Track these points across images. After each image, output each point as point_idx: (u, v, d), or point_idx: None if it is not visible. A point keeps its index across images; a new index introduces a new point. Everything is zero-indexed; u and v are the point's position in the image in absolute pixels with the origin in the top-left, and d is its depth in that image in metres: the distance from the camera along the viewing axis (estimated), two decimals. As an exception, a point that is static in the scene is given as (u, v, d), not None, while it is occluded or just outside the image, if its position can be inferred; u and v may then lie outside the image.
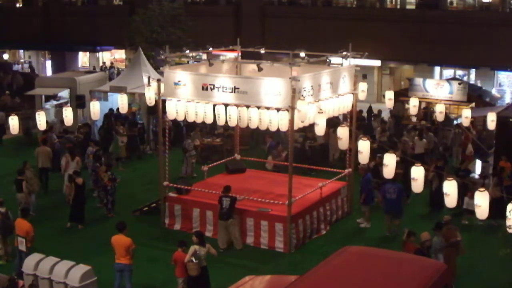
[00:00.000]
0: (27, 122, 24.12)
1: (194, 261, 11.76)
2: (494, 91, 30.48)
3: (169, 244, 14.12)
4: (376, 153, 17.60)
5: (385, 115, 25.71)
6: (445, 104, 21.32)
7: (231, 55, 26.95)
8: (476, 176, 18.86)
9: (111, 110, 24.68)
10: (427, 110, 26.39)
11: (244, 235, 15.31)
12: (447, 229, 13.05)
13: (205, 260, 12.02)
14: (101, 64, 42.66)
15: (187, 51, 22.96)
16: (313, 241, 15.58)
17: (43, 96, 27.00)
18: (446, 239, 12.77)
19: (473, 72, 32.05)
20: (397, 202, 15.57)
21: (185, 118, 15.52)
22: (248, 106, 14.41)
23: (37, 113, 17.01)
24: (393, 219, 15.80)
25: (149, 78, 18.29)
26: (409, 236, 12.66)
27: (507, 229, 11.58)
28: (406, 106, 25.47)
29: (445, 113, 20.35)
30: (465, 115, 18.01)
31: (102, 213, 17.36)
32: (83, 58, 43.50)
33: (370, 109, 27.51)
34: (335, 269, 9.47)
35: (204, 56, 26.61)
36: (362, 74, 27.19)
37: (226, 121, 14.90)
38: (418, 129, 22.53)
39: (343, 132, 14.70)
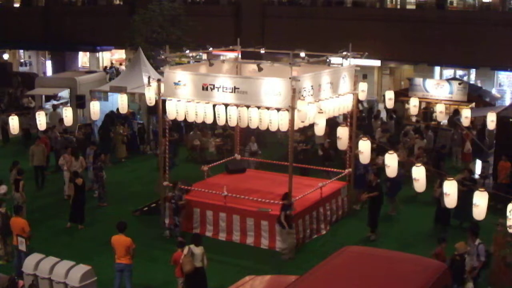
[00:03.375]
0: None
1: (186, 254, 11.77)
2: (494, 91, 30.44)
3: (169, 244, 14.12)
4: (377, 154, 17.61)
5: (385, 115, 25.69)
6: (445, 104, 21.31)
7: (231, 55, 26.93)
8: (476, 176, 18.86)
9: (111, 111, 24.61)
10: (427, 110, 26.41)
11: (244, 235, 15.31)
12: (501, 234, 12.55)
13: (201, 262, 11.98)
14: (105, 65, 42.73)
15: (187, 51, 22.96)
16: (313, 241, 15.58)
17: (43, 96, 27.03)
18: (497, 245, 12.56)
19: (473, 72, 32.01)
20: (365, 176, 17.24)
21: (185, 118, 15.53)
22: (248, 106, 14.41)
23: (37, 113, 17.03)
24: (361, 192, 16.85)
25: (149, 78, 18.29)
26: (441, 242, 12.31)
27: (508, 229, 11.59)
28: (406, 106, 25.47)
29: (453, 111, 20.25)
30: (465, 115, 18.01)
31: (102, 213, 17.37)
32: (83, 58, 43.50)
33: (370, 109, 27.52)
34: (335, 269, 9.46)
35: (204, 56, 26.61)
36: (362, 74, 27.19)
37: (226, 121, 14.91)
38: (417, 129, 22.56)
39: (343, 132, 14.71)
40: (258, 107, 14.32)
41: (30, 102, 28.13)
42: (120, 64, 41.99)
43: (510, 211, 11.23)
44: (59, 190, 18.66)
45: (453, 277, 11.12)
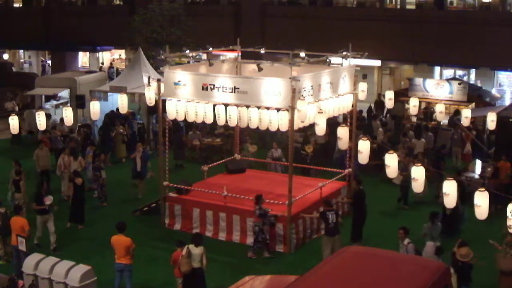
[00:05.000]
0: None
1: (183, 254, 11.78)
2: (494, 91, 30.48)
3: (169, 244, 14.09)
4: (377, 154, 17.61)
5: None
6: (445, 104, 21.32)
7: (231, 55, 26.94)
8: (476, 176, 18.86)
9: (112, 111, 24.58)
10: (427, 110, 26.42)
11: (244, 235, 15.31)
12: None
13: (199, 262, 11.95)
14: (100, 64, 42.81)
15: (187, 51, 23.01)
16: (313, 241, 15.57)
17: (43, 96, 27.03)
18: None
19: (473, 72, 32.05)
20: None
21: (185, 118, 15.53)
22: (248, 106, 14.41)
23: (37, 113, 17.02)
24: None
25: (149, 78, 18.29)
26: (460, 246, 12.23)
27: (508, 229, 11.59)
28: (406, 106, 25.48)
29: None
30: (465, 115, 18.01)
31: (102, 213, 17.37)
32: (83, 58, 43.53)
33: (370, 109, 27.54)
34: (335, 269, 9.46)
35: (204, 56, 26.63)
36: (362, 74, 27.19)
37: (226, 121, 14.90)
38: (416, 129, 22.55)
39: (343, 132, 14.70)
40: (258, 107, 14.32)
41: (14, 106, 28.02)
42: (101, 65, 42.08)
43: (510, 211, 11.22)
44: (59, 189, 18.62)
45: (460, 282, 11.22)
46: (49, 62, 43.40)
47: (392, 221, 16.99)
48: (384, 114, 26.36)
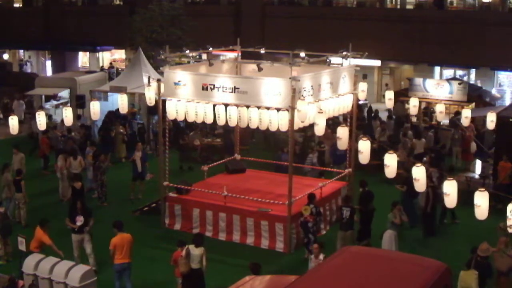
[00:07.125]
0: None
1: (183, 255, 11.77)
2: (494, 91, 30.49)
3: (169, 244, 14.11)
4: (377, 154, 17.59)
5: (384, 115, 25.68)
6: (445, 104, 21.33)
7: (231, 55, 26.93)
8: (476, 176, 18.86)
9: (110, 111, 24.57)
10: (427, 110, 26.42)
11: (244, 235, 15.32)
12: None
13: (198, 263, 11.94)
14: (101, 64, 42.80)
15: (187, 51, 23.05)
16: (313, 241, 15.55)
17: (43, 96, 27.02)
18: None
19: (473, 72, 32.06)
20: (344, 156, 17.70)
21: (185, 118, 15.52)
22: (248, 106, 14.41)
23: (37, 113, 16.99)
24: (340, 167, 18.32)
25: (149, 78, 18.28)
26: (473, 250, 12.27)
27: (508, 229, 11.58)
28: (406, 106, 25.48)
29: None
30: (465, 115, 18.00)
31: (102, 213, 17.36)
32: (83, 58, 43.52)
33: (370, 109, 27.53)
34: (335, 269, 9.46)
35: (204, 56, 26.64)
36: (362, 74, 27.19)
37: (226, 121, 14.91)
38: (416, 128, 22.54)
39: (342, 132, 14.68)
40: (258, 107, 14.32)
41: None
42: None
43: (510, 211, 11.21)
44: (58, 189, 18.61)
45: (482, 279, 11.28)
46: (31, 61, 43.59)
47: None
48: (371, 117, 26.13)
